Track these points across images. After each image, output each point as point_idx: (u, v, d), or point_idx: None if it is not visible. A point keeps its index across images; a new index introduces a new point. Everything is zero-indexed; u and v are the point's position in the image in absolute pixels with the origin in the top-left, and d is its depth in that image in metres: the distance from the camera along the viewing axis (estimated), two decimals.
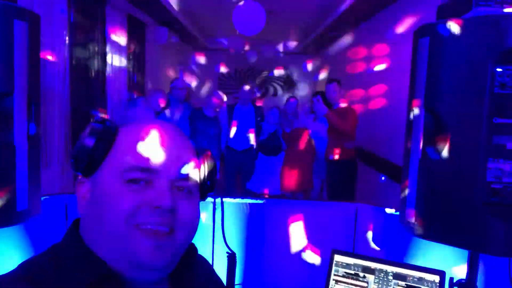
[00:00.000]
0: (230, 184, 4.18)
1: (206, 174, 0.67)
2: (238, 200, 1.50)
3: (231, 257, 0.83)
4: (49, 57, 2.83)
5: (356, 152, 3.69)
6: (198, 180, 0.64)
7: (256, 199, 1.54)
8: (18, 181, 0.95)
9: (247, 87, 4.16)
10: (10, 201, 0.92)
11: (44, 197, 1.32)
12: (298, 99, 4.42)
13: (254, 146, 4.14)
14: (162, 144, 0.60)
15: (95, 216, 0.58)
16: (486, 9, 0.77)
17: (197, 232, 0.62)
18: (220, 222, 1.11)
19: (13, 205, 0.94)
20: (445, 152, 0.82)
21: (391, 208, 1.43)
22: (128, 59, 4.67)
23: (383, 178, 3.68)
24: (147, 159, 0.58)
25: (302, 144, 3.99)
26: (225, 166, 4.09)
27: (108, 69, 4.05)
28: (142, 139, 0.60)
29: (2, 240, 1.26)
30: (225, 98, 3.98)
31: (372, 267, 1.21)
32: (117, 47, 4.28)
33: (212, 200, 1.40)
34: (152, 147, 0.59)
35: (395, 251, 1.38)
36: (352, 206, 1.51)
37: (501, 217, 0.79)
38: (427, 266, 1.18)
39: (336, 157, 3.58)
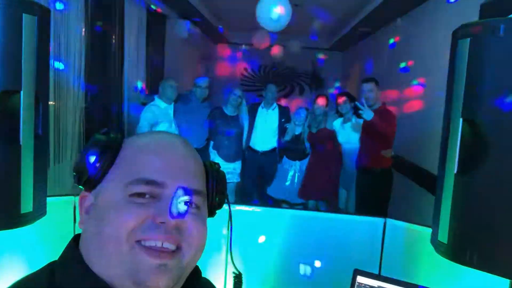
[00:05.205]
0: (250, 188, 4.18)
1: (215, 189, 0.66)
2: (250, 208, 1.48)
3: (237, 278, 0.82)
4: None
5: (393, 161, 3.56)
6: (206, 195, 0.63)
7: (273, 207, 1.52)
8: (23, 182, 0.97)
9: (273, 86, 4.14)
10: (14, 202, 0.94)
11: (52, 198, 1.35)
12: (328, 98, 4.27)
13: (277, 149, 4.12)
14: (169, 156, 0.60)
15: (96, 231, 0.58)
16: None
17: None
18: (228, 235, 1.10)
19: (17, 207, 0.96)
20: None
21: (426, 225, 1.38)
22: (147, 53, 4.74)
23: None
24: (153, 172, 0.58)
25: (328, 146, 3.89)
26: (245, 168, 4.09)
27: (126, 63, 4.12)
28: (148, 151, 0.60)
29: (6, 244, 1.29)
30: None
31: None
32: (135, 40, 4.35)
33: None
34: (158, 159, 0.59)
35: (426, 275, 1.33)
36: (380, 221, 1.46)
37: None
38: None
39: (371, 165, 3.45)
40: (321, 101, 4.00)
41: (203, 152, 3.81)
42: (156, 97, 3.80)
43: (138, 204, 0.56)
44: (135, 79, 4.38)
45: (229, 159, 3.95)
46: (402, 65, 4.54)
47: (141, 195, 0.57)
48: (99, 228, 0.57)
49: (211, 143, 4.00)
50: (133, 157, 0.59)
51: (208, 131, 3.97)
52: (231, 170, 3.89)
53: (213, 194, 0.66)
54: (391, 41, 5.09)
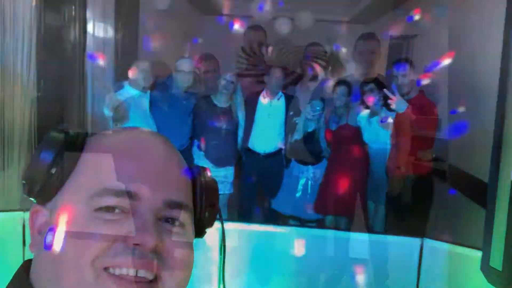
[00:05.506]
0: (248, 200, 4.18)
1: (204, 202, 0.66)
2: (249, 226, 1.49)
3: None
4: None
5: (433, 166, 3.56)
6: (193, 209, 0.64)
7: (279, 225, 1.53)
8: None
9: (278, 71, 4.13)
10: None
11: None
12: (351, 85, 4.22)
13: (283, 150, 4.12)
14: (145, 160, 0.61)
15: (52, 256, 0.58)
16: None
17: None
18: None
19: None
20: None
21: (475, 247, 1.39)
22: (116, 29, 4.75)
23: None
24: (125, 180, 0.58)
25: (351, 147, 3.89)
26: (243, 175, 4.10)
27: (89, 42, 4.13)
28: (118, 153, 0.60)
29: None
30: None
31: None
32: (101, 12, 4.36)
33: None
34: (131, 164, 0.60)
35: None
36: (416, 241, 1.47)
37: None
38: None
39: (405, 171, 3.45)
40: (341, 89, 3.98)
41: (185, 154, 3.81)
42: (126, 84, 3.80)
43: (105, 221, 0.57)
44: (100, 61, 4.38)
45: (219, 163, 3.95)
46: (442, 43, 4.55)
47: (109, 209, 0.57)
48: (56, 253, 0.57)
49: (196, 142, 4.00)
50: (99, 161, 0.60)
51: (192, 128, 3.97)
52: (222, 178, 3.90)
53: (202, 208, 0.66)
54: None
